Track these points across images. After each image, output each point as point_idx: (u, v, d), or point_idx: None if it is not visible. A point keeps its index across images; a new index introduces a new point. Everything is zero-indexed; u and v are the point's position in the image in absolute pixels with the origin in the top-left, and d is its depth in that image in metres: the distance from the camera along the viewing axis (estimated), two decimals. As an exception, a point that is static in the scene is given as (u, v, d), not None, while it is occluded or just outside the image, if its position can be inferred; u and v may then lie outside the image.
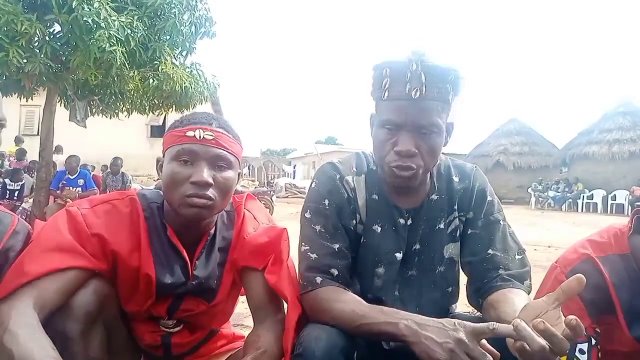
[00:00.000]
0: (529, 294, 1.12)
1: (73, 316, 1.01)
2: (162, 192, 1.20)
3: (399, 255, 1.20)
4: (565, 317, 0.77)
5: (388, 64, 1.10)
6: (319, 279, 1.11)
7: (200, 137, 1.09)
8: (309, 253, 1.14)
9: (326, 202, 1.18)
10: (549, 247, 6.37)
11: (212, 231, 1.23)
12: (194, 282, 1.19)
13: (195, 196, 1.07)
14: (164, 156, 1.16)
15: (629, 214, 1.28)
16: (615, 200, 15.42)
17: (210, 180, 1.08)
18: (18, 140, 11.17)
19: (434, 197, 1.23)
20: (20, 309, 0.93)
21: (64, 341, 0.97)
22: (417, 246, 1.21)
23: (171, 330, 1.25)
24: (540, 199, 17.46)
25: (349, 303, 1.05)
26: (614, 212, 15.07)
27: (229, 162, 1.13)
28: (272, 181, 20.88)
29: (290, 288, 1.13)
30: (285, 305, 1.14)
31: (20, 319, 0.90)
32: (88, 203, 1.15)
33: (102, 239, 1.09)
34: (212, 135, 1.10)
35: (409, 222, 1.21)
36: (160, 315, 1.22)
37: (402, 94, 1.06)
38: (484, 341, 0.86)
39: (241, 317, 2.25)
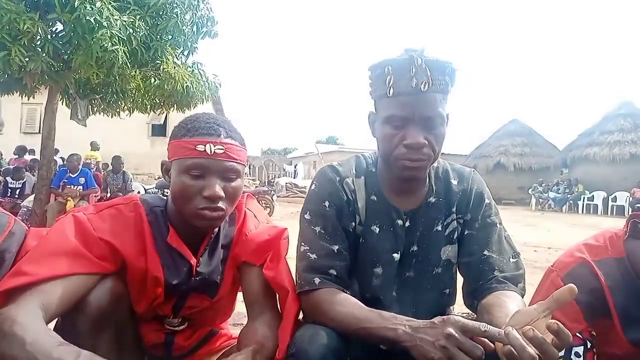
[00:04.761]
0: (523, 297, 1.13)
1: (85, 312, 1.02)
2: (163, 195, 1.23)
3: (396, 256, 1.21)
4: (559, 323, 0.78)
5: (389, 61, 1.12)
6: (317, 280, 1.12)
7: (211, 151, 1.10)
8: (308, 253, 1.16)
9: (326, 203, 1.19)
10: (549, 248, 6.37)
11: (216, 229, 1.25)
12: (197, 278, 1.21)
13: (208, 209, 1.10)
14: (169, 162, 1.16)
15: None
16: (615, 202, 15.38)
17: (222, 194, 1.10)
18: (94, 146, 11.01)
19: (432, 199, 1.24)
20: (27, 307, 0.92)
21: (74, 335, 0.97)
22: (415, 247, 1.23)
23: (176, 328, 1.28)
24: (540, 200, 17.43)
25: (347, 306, 1.06)
26: (614, 213, 15.04)
27: (238, 172, 1.15)
28: (272, 180, 20.87)
29: (289, 281, 1.16)
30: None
31: (29, 315, 0.90)
32: (94, 208, 1.16)
33: (108, 243, 1.11)
34: (222, 149, 1.11)
35: (407, 223, 1.22)
36: (166, 314, 1.25)
37: (408, 89, 1.08)
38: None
39: (240, 317, 2.25)
